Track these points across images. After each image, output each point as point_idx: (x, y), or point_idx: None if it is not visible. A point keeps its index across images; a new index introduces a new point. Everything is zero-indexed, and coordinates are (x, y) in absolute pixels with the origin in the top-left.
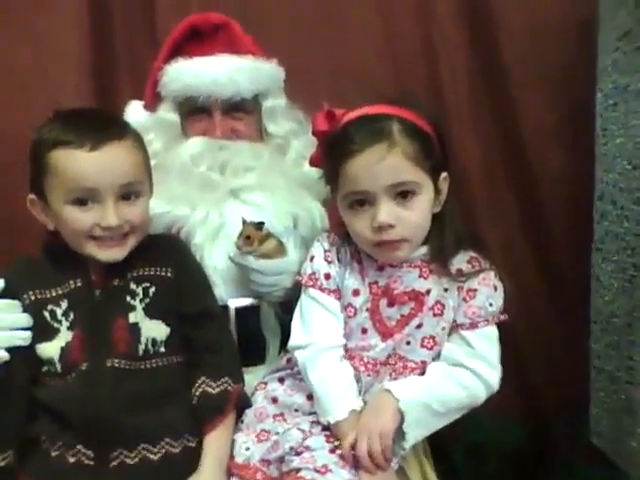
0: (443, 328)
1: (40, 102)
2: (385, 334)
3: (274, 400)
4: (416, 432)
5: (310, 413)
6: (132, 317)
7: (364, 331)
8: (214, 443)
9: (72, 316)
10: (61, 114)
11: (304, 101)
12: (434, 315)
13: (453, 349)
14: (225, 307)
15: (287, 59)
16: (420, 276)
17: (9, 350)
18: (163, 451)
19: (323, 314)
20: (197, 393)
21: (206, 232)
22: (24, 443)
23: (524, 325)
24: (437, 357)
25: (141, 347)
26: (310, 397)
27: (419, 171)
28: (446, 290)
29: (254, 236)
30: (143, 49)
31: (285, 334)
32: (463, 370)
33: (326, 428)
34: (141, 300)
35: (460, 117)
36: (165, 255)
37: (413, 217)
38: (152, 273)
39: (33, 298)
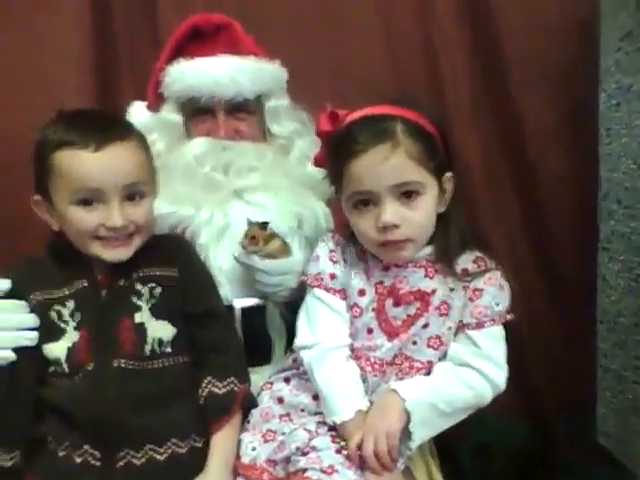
0: (449, 328)
1: (41, 102)
2: (391, 334)
3: (280, 400)
4: (422, 432)
5: (316, 413)
6: (138, 317)
7: (370, 331)
8: (221, 443)
9: (78, 316)
10: (65, 115)
11: (305, 101)
12: (440, 315)
13: (459, 349)
14: (230, 307)
15: (288, 59)
16: (426, 276)
17: (16, 350)
18: (169, 451)
19: (329, 314)
20: (204, 393)
21: (211, 232)
22: (31, 443)
23: (527, 325)
24: (443, 357)
25: (147, 347)
26: (316, 397)
27: (423, 171)
28: (452, 290)
29: (259, 236)
30: (144, 49)
31: (291, 334)
32: (469, 370)
33: (332, 428)
34: (147, 300)
35: (461, 117)
36: (170, 255)
37: (417, 217)
38: (158, 273)
39: (40, 298)
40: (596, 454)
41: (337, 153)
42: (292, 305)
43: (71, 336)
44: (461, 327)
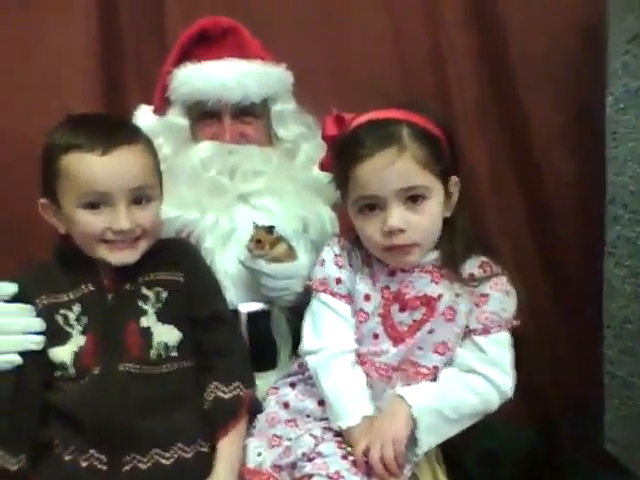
0: (455, 333)
1: (47, 105)
2: (397, 339)
3: (286, 405)
4: (429, 439)
5: (322, 419)
6: (144, 321)
7: (376, 336)
8: (226, 448)
9: (84, 320)
10: (72, 119)
11: (311, 104)
12: (446, 320)
13: (465, 355)
14: (236, 312)
15: (294, 62)
16: (432, 281)
17: (22, 354)
18: (176, 456)
19: (334, 319)
20: (209, 398)
21: (217, 236)
22: (37, 447)
23: (533, 327)
24: (449, 363)
25: (153, 352)
26: (322, 403)
27: (429, 175)
28: (458, 295)
29: (265, 240)
30: (151, 52)
31: (296, 339)
32: (476, 376)
33: (338, 434)
34: (153, 305)
35: (468, 123)
36: (176, 259)
37: (423, 221)
38: (163, 277)
39: (46, 302)
40: (602, 459)
41: (343, 157)
42: (298, 310)
43: (77, 340)
44: (467, 333)
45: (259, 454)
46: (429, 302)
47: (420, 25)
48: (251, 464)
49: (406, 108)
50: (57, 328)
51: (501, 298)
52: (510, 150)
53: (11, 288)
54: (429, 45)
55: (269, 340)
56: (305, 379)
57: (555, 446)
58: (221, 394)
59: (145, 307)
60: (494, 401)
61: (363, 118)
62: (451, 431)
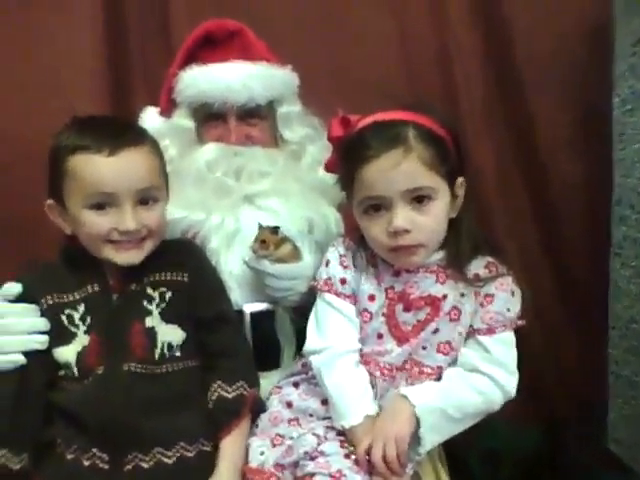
0: (460, 333)
1: (53, 106)
2: (401, 339)
3: (289, 405)
4: (432, 438)
5: (325, 418)
6: (148, 321)
7: (380, 336)
8: (229, 448)
9: (89, 320)
10: (79, 120)
11: (314, 107)
12: (450, 320)
13: (470, 354)
14: (240, 312)
15: (297, 65)
16: (436, 281)
17: (26, 354)
18: (178, 455)
19: (338, 319)
20: (213, 397)
21: (222, 237)
22: (40, 446)
23: (539, 328)
24: (453, 363)
25: (157, 351)
26: (325, 402)
27: (435, 176)
28: (463, 295)
29: (270, 240)
30: (157, 54)
31: (300, 339)
32: (480, 376)
33: (341, 433)
34: (157, 305)
35: (474, 124)
36: (181, 260)
37: (429, 222)
38: (168, 278)
39: (51, 302)
40: (606, 459)
41: (349, 158)
42: (302, 310)
43: (81, 340)
44: (472, 332)
45: (262, 453)
46: (433, 302)
47: (426, 26)
48: (254, 463)
49: (412, 109)
50: (62, 328)
51: (506, 298)
52: (516, 150)
53: (15, 288)
54: (436, 46)
55: (273, 340)
56: (308, 379)
57: (559, 446)
58: (224, 393)
59: (150, 307)
60: (498, 401)
61: (369, 119)
62: (454, 430)
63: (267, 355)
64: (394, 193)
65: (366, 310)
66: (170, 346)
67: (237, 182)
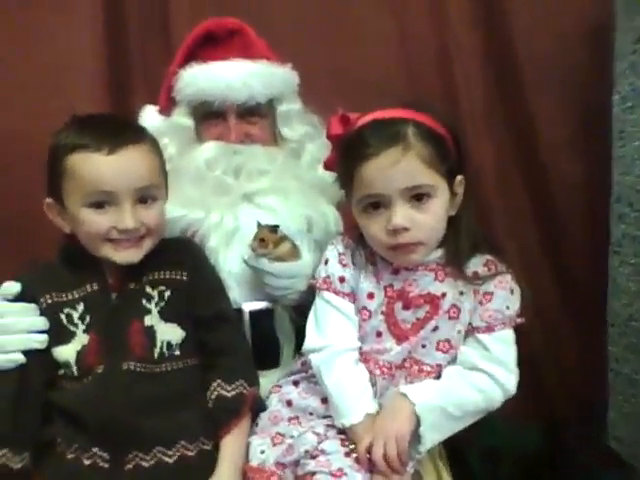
0: (459, 331)
1: (52, 106)
2: (400, 337)
3: (289, 403)
4: (432, 436)
5: (325, 416)
6: (147, 320)
7: (379, 334)
8: (230, 447)
9: (88, 319)
10: (78, 119)
11: (313, 105)
12: (450, 318)
13: (469, 352)
14: (239, 310)
15: (297, 64)
16: (436, 279)
17: (25, 353)
18: (178, 454)
19: (338, 317)
20: (212, 396)
21: (221, 236)
22: (40, 445)
23: (539, 327)
24: (453, 361)
25: (156, 350)
26: (324, 400)
27: (434, 174)
28: (462, 293)
29: (268, 239)
30: (157, 53)
31: (299, 337)
32: (479, 374)
33: (341, 432)
34: (156, 303)
35: (474, 124)
36: (180, 259)
37: (428, 220)
38: (167, 277)
39: (50, 301)
40: (606, 457)
41: (348, 156)
42: (301, 308)
43: (81, 339)
44: (471, 330)
45: (262, 452)
46: (433, 300)
47: (426, 26)
48: (254, 462)
49: (411, 107)
50: (61, 327)
51: (505, 296)
52: (516, 150)
53: (15, 287)
54: (436, 46)
55: (272, 338)
56: (308, 377)
57: (559, 444)
58: (224, 392)
59: (149, 306)
60: (497, 399)
61: (368, 117)
62: (454, 428)
63: (266, 354)
64: (393, 191)
65: (365, 308)
66: (169, 345)
67: (236, 180)
